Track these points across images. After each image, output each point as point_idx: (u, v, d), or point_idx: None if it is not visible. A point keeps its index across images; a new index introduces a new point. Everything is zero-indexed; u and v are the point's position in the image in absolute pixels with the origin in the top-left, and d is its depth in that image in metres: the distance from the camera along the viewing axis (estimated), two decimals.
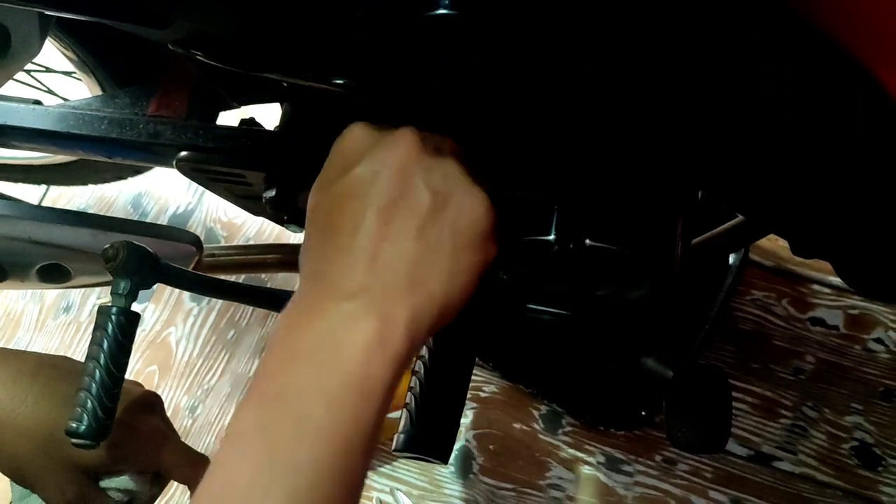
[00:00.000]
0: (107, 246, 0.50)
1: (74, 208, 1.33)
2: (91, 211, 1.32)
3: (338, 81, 0.46)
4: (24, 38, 0.49)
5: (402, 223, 0.40)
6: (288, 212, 0.64)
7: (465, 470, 1.02)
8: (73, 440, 0.48)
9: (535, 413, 1.02)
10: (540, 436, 1.01)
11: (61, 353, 1.23)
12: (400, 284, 0.39)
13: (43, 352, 1.23)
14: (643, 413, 0.95)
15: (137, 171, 1.07)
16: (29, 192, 1.33)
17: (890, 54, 0.34)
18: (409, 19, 0.38)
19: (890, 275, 0.49)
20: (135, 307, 0.52)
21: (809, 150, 0.42)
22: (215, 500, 0.36)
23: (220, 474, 0.36)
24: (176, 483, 0.63)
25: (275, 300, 0.62)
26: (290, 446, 0.35)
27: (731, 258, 1.00)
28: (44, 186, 1.32)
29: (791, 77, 0.39)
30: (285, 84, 0.57)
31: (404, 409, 0.53)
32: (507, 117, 0.49)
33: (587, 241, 0.52)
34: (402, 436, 0.52)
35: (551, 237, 0.52)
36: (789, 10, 0.35)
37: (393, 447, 0.53)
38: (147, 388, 0.61)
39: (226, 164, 0.63)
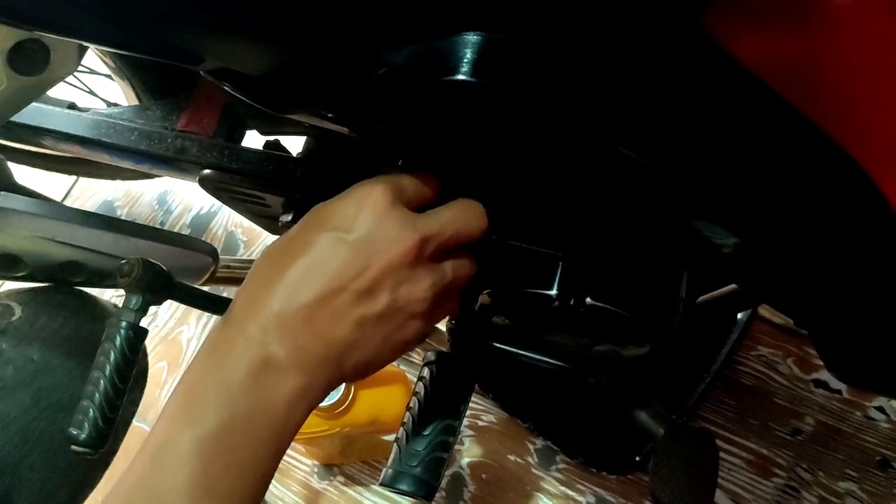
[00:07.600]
0: (123, 261, 0.52)
1: (101, 201, 1.36)
2: (117, 204, 1.34)
3: (358, 128, 0.48)
4: (63, 55, 0.51)
5: (351, 309, 0.42)
6: None
7: (455, 496, 1.02)
8: (73, 447, 0.50)
9: (531, 447, 1.03)
10: (533, 470, 1.02)
11: None
12: (327, 355, 0.43)
13: None
14: (637, 458, 0.95)
15: None
16: (58, 181, 1.37)
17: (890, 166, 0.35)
18: (428, 81, 0.40)
19: (872, 363, 0.49)
20: None
21: (799, 236, 0.43)
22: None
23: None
24: None
25: None
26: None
27: (740, 313, 1.00)
28: (73, 177, 1.35)
29: (789, 162, 0.40)
30: (306, 124, 0.59)
31: (395, 444, 0.54)
32: (518, 175, 0.50)
33: (588, 300, 0.52)
34: (389, 470, 0.53)
35: (553, 292, 0.53)
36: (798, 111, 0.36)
37: (380, 481, 0.54)
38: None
39: (247, 186, 0.65)
